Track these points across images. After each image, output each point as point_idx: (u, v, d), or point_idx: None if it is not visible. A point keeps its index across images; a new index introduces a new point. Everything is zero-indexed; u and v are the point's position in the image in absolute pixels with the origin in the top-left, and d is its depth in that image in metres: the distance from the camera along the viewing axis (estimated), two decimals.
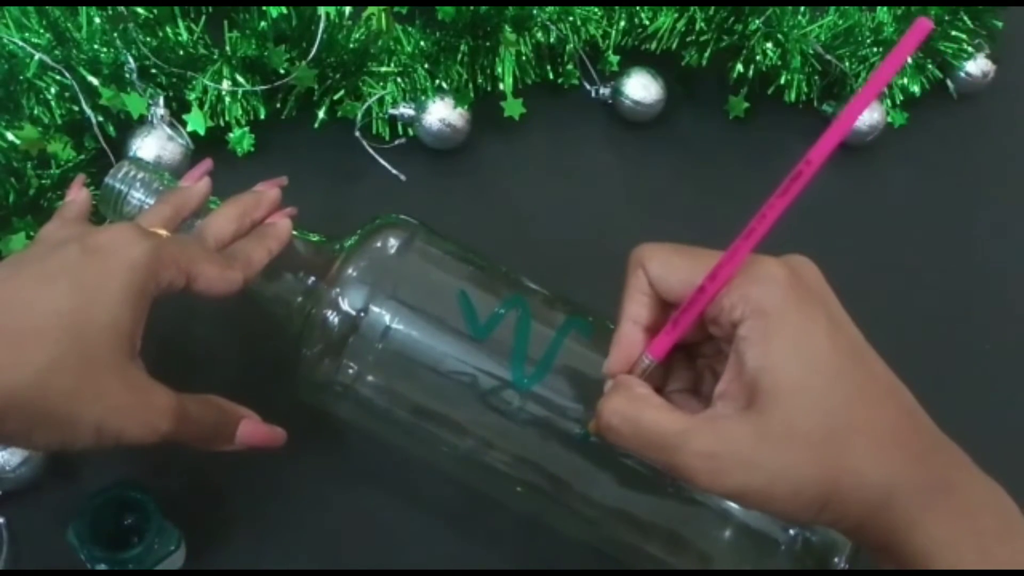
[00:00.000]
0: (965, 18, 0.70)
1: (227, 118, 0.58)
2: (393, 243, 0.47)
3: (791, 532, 0.45)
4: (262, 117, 0.59)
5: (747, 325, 0.36)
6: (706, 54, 0.65)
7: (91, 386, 0.36)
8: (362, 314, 0.45)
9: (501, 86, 0.63)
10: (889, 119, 0.70)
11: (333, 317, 0.45)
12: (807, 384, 0.35)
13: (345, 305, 0.45)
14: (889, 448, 0.35)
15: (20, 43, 0.53)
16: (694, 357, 0.41)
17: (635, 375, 0.39)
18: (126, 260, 0.38)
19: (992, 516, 0.36)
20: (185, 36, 0.57)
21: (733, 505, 0.45)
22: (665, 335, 0.38)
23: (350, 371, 0.46)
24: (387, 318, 0.45)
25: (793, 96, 0.67)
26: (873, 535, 0.36)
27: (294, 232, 0.47)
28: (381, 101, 0.61)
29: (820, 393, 0.35)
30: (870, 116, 0.68)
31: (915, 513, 0.35)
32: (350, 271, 0.46)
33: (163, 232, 0.42)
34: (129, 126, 0.56)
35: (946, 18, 0.70)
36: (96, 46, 0.55)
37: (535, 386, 0.45)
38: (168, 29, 0.57)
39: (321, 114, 0.60)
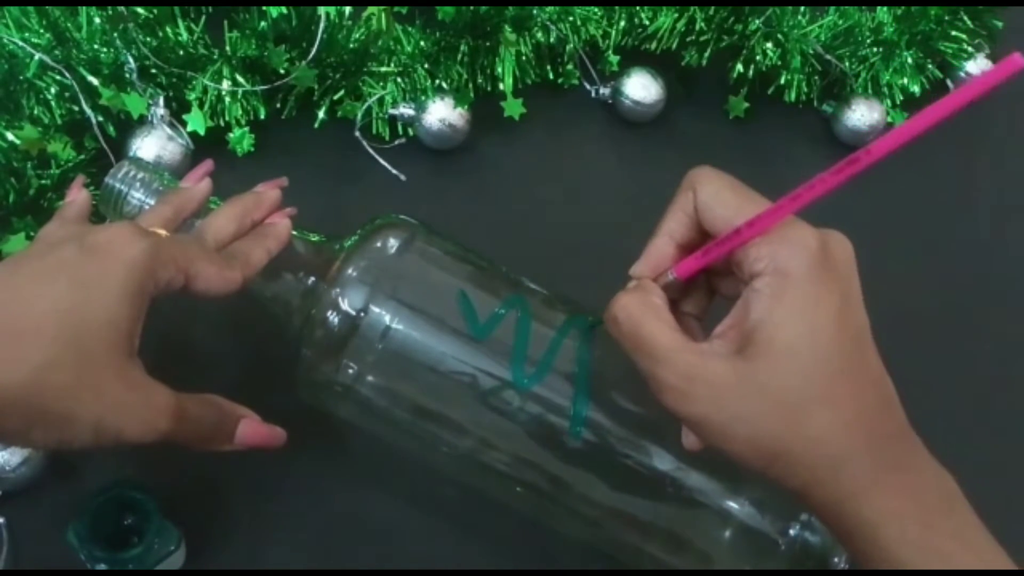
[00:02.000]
0: (965, 18, 0.70)
1: (227, 118, 0.58)
2: (393, 243, 0.47)
3: (791, 533, 0.45)
4: (262, 117, 0.59)
5: (764, 280, 0.37)
6: (706, 54, 0.65)
7: (89, 384, 0.36)
8: (362, 314, 0.45)
9: (501, 86, 0.63)
10: (889, 119, 0.70)
11: (333, 317, 0.45)
12: (799, 349, 0.37)
13: (345, 305, 0.45)
14: (853, 427, 0.37)
15: (20, 43, 0.53)
16: (713, 290, 0.43)
17: (657, 284, 0.41)
18: (124, 258, 0.38)
19: (938, 495, 0.38)
20: (185, 36, 0.57)
21: (734, 505, 0.45)
22: (694, 259, 0.40)
23: (350, 371, 0.46)
24: (387, 318, 0.45)
25: (793, 96, 0.67)
26: (819, 500, 0.37)
27: (294, 232, 0.47)
28: (381, 101, 0.61)
29: (808, 361, 0.37)
30: (870, 116, 0.68)
31: (863, 484, 0.37)
32: (350, 271, 0.46)
33: (162, 232, 0.42)
34: (129, 126, 0.56)
35: (946, 18, 0.69)
36: (96, 46, 0.55)
37: (535, 386, 0.45)
38: (168, 29, 0.57)
39: (321, 114, 0.60)
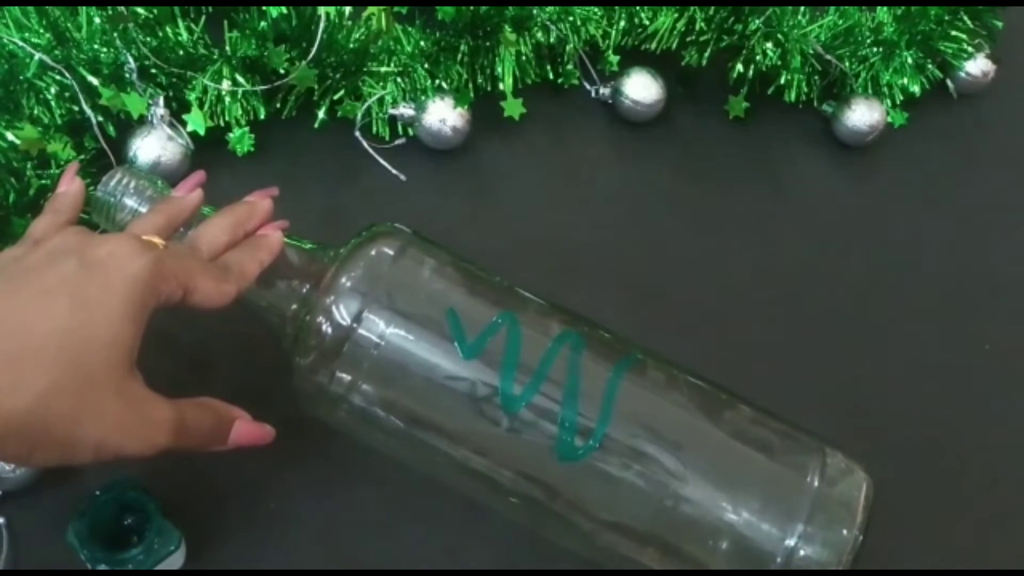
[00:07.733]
0: (965, 18, 0.70)
1: (227, 118, 0.58)
2: (387, 252, 0.47)
3: (787, 544, 0.44)
4: (262, 117, 0.59)
5: None
6: (706, 54, 0.65)
7: (91, 407, 0.37)
8: (355, 323, 0.45)
9: (501, 86, 0.63)
10: (889, 119, 0.70)
11: (326, 326, 0.45)
12: None
13: (338, 314, 0.45)
14: None
15: (20, 43, 0.53)
16: None
17: None
18: (127, 275, 0.38)
19: None
20: (185, 36, 0.57)
21: (731, 517, 0.45)
22: None
23: (343, 380, 0.45)
24: (380, 327, 0.45)
25: (793, 96, 0.67)
26: None
27: (287, 240, 0.47)
28: (381, 101, 0.61)
29: None
30: (870, 116, 0.68)
31: None
32: (344, 280, 0.46)
33: (159, 241, 0.42)
34: (129, 126, 0.56)
35: (946, 18, 0.69)
36: (96, 46, 0.55)
37: (526, 400, 0.45)
38: (168, 29, 0.57)
39: (321, 114, 0.60)
